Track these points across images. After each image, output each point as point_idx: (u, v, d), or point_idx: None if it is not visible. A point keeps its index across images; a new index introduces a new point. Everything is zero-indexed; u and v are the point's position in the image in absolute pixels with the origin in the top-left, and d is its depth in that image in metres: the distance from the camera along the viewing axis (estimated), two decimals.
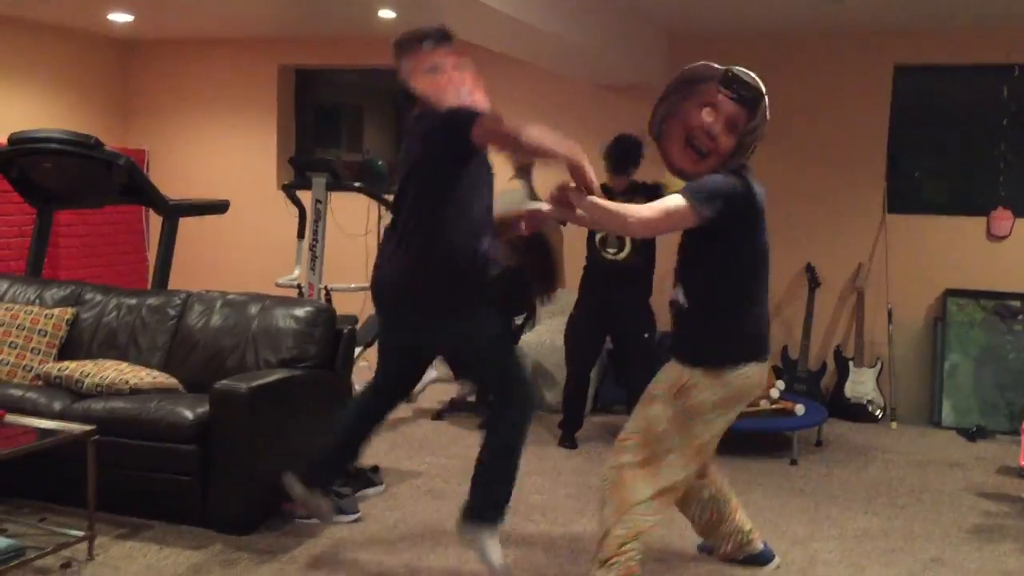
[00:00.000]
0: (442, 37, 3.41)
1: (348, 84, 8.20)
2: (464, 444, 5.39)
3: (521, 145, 3.20)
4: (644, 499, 3.10)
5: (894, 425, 6.19)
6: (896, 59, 6.39)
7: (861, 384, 6.30)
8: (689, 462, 3.15)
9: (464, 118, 3.19)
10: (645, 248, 5.39)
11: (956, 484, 4.96)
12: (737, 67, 3.07)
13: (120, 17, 6.84)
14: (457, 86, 3.34)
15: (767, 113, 3.07)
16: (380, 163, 6.96)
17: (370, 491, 4.41)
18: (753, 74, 3.07)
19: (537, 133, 3.11)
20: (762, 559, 3.65)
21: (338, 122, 8.49)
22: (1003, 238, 6.29)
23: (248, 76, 7.78)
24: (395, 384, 3.65)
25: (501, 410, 3.38)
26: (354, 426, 3.64)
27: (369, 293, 3.50)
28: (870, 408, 6.25)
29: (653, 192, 4.98)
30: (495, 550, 3.30)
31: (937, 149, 6.71)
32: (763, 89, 3.05)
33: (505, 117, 3.18)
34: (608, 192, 5.37)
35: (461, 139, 3.19)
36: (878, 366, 6.35)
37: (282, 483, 3.59)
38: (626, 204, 3.13)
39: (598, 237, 5.37)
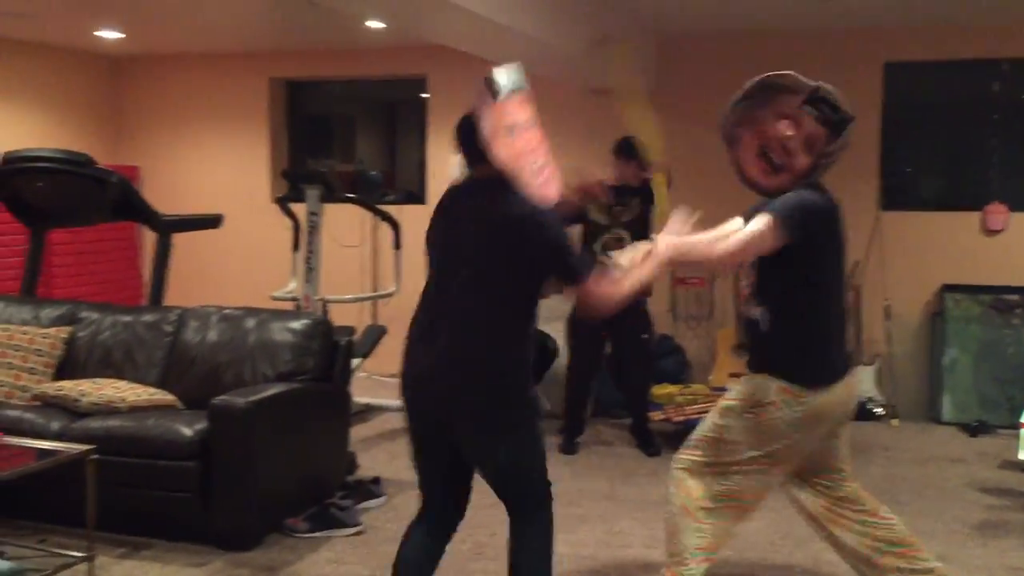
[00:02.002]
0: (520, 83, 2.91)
1: (339, 95, 8.21)
2: None
3: (602, 314, 2.94)
4: (709, 498, 2.94)
5: (895, 422, 6.18)
6: (886, 56, 6.39)
7: (860, 382, 6.29)
8: (763, 473, 2.94)
9: (578, 279, 2.81)
10: None
11: (959, 480, 4.95)
12: (827, 86, 2.91)
13: (109, 34, 6.84)
14: (532, 155, 2.89)
15: (848, 141, 2.91)
16: (374, 173, 6.96)
17: (372, 503, 4.39)
18: (842, 96, 2.90)
19: (628, 286, 2.87)
20: None
21: (330, 133, 8.49)
22: (998, 232, 6.29)
23: (239, 89, 7.77)
24: (444, 509, 3.04)
25: (530, 521, 2.94)
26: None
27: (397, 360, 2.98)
28: (870, 406, 6.23)
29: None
30: None
31: (929, 145, 6.72)
32: (852, 114, 2.89)
33: (608, 285, 2.85)
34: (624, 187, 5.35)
35: (559, 288, 2.88)
36: (876, 363, 6.35)
37: None
38: (705, 236, 2.87)
39: (598, 244, 5.37)
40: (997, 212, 6.28)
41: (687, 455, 3.05)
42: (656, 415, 5.46)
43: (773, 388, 2.91)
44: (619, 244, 5.33)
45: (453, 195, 2.99)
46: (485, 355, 2.81)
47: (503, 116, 2.81)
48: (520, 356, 2.85)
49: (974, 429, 5.95)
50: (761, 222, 2.84)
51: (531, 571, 2.90)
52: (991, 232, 6.30)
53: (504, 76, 2.81)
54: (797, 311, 2.95)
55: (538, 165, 2.90)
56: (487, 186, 2.86)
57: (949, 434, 5.96)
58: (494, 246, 2.83)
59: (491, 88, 2.78)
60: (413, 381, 2.89)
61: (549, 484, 2.96)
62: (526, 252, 2.80)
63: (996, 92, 6.35)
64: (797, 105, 2.90)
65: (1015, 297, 6.16)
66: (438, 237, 2.96)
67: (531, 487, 2.93)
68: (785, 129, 2.89)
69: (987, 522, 4.29)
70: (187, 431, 3.83)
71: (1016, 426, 5.38)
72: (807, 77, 2.94)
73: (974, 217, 6.33)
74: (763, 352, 3.04)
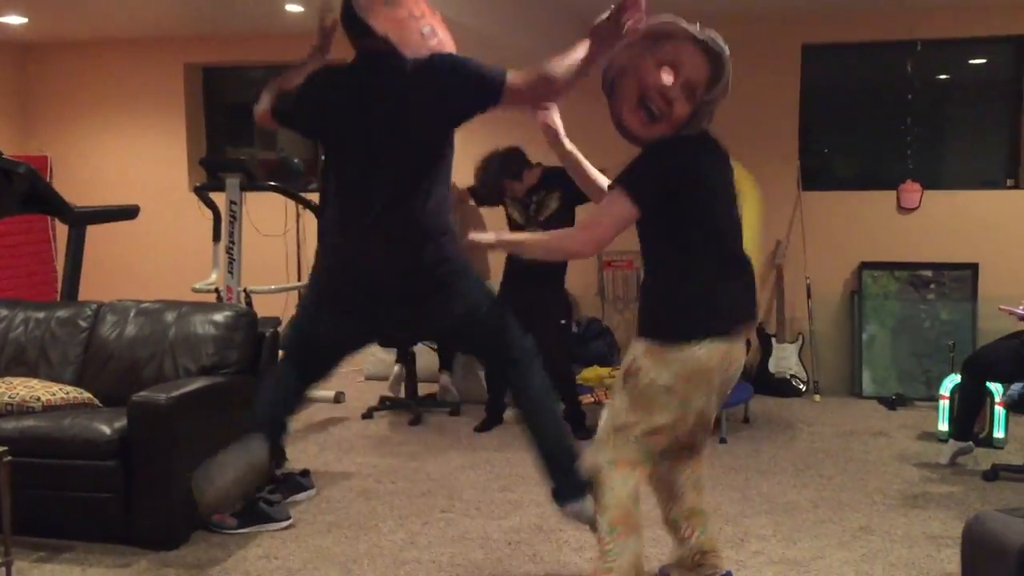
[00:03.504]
0: None
1: (259, 81, 8.01)
2: (394, 443, 5.33)
3: (560, 88, 2.80)
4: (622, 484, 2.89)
5: (817, 398, 6.32)
6: (804, 39, 6.50)
7: (784, 359, 6.41)
8: (653, 442, 2.88)
9: (493, 80, 2.76)
10: None
11: (880, 453, 5.09)
12: (709, 29, 2.80)
13: (13, 19, 6.56)
14: (418, 22, 2.90)
15: (728, 83, 2.80)
16: (296, 161, 6.83)
17: (301, 496, 4.32)
18: (721, 40, 2.80)
19: (566, 65, 2.76)
20: None
21: (250, 120, 8.26)
22: (912, 210, 6.46)
23: (153, 76, 7.54)
24: (311, 378, 3.21)
25: (523, 378, 3.12)
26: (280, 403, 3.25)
27: (304, 289, 3.16)
28: (794, 382, 6.36)
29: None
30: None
31: (846, 125, 6.86)
32: (728, 56, 2.79)
33: (528, 68, 2.76)
34: (518, 201, 5.40)
35: (486, 102, 2.80)
36: (799, 341, 6.48)
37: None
38: (557, 231, 2.88)
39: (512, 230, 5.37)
40: (911, 190, 6.44)
41: (596, 458, 2.96)
42: (586, 398, 5.49)
43: (640, 350, 2.83)
44: None
45: (341, 77, 2.99)
46: (422, 225, 2.83)
47: None
48: (447, 216, 2.91)
49: (893, 402, 6.11)
50: (611, 200, 2.77)
51: (545, 420, 3.18)
52: (906, 210, 6.47)
53: None
54: (662, 265, 2.88)
55: (428, 30, 2.93)
56: (376, 57, 2.87)
57: (870, 408, 6.12)
58: (407, 115, 2.82)
59: None
60: (345, 271, 2.92)
61: (523, 347, 3.06)
62: (439, 93, 2.81)
63: (910, 72, 6.51)
64: (677, 50, 2.79)
65: (929, 273, 6.35)
66: (334, 121, 2.96)
67: (502, 340, 3.04)
68: (665, 77, 2.79)
69: (908, 493, 4.41)
70: (106, 429, 3.71)
71: (934, 398, 5.56)
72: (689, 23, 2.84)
73: (890, 196, 6.49)
74: (639, 307, 2.97)
